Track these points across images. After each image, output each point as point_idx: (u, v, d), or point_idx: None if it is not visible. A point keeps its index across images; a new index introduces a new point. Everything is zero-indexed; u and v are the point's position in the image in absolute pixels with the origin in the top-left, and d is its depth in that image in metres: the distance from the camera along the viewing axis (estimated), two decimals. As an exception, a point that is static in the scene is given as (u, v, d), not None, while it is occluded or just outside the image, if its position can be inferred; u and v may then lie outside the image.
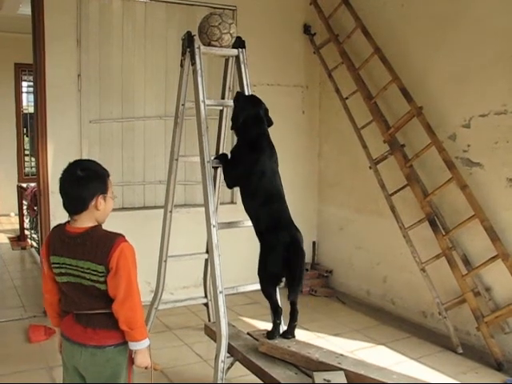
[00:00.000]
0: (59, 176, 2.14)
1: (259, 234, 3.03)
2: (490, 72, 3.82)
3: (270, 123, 3.23)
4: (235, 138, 5.07)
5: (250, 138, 3.12)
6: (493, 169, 3.83)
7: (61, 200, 2.09)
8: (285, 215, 3.02)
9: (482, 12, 3.86)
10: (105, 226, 2.25)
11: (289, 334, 2.98)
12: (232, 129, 3.26)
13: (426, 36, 4.29)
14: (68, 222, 2.20)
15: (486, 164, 3.87)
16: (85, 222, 2.17)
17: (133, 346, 2.14)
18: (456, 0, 4.04)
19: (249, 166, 3.05)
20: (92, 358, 2.13)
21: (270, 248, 2.92)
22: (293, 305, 2.97)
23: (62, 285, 2.17)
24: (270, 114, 3.25)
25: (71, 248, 2.13)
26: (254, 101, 3.24)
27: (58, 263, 2.15)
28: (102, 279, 2.08)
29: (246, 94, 3.50)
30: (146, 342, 2.14)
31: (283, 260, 2.87)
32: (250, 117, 3.14)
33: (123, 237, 2.17)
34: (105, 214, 2.24)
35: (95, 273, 2.08)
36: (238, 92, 3.40)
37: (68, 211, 2.17)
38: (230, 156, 3.29)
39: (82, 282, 2.11)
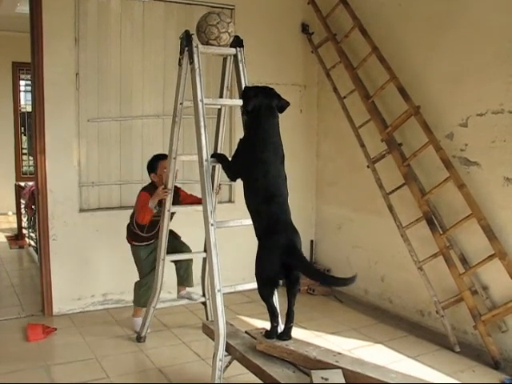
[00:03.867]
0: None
1: (257, 234, 3.00)
2: (487, 71, 3.83)
3: (286, 105, 3.10)
4: (233, 137, 5.11)
5: (257, 132, 3.04)
6: (490, 168, 3.84)
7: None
8: (284, 217, 2.96)
9: (479, 12, 3.86)
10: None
11: (285, 335, 2.96)
12: (243, 113, 3.23)
13: (424, 35, 4.30)
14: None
15: (483, 163, 3.88)
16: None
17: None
18: (453, 0, 4.05)
19: (252, 163, 3.00)
20: None
21: (267, 251, 2.89)
22: (290, 306, 2.96)
23: None
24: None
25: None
26: (267, 91, 3.11)
27: None
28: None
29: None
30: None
31: (280, 263, 2.84)
32: (262, 107, 3.03)
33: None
34: (160, 181, 3.98)
35: None
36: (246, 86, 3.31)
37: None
38: (236, 147, 3.22)
39: None
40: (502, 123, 3.73)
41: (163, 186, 3.83)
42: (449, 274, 3.93)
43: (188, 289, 4.29)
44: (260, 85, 3.23)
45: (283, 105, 3.12)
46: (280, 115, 3.12)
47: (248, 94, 3.13)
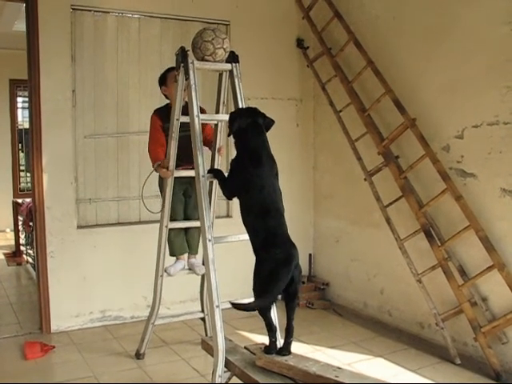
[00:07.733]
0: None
1: (255, 249, 3.00)
2: (481, 83, 3.85)
3: (271, 123, 3.17)
4: (230, 153, 5.12)
5: (248, 149, 3.08)
6: (486, 179, 3.84)
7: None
8: (281, 231, 2.97)
9: (473, 24, 3.89)
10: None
11: (285, 350, 2.95)
12: (229, 135, 3.24)
13: (418, 48, 4.33)
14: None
15: (480, 174, 3.89)
16: None
17: None
18: (446, 12, 4.08)
19: (248, 180, 3.02)
20: None
21: (265, 265, 2.89)
22: (289, 321, 2.96)
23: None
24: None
25: None
26: (251, 110, 3.19)
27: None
28: None
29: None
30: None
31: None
32: (248, 126, 3.08)
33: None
34: (171, 94, 3.87)
35: None
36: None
37: None
38: (230, 167, 3.26)
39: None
40: (498, 134, 3.74)
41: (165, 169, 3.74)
42: (448, 285, 3.92)
43: (194, 260, 4.10)
44: (244, 107, 3.28)
45: (269, 123, 3.18)
46: (276, 131, 3.15)
47: (231, 116, 3.19)
